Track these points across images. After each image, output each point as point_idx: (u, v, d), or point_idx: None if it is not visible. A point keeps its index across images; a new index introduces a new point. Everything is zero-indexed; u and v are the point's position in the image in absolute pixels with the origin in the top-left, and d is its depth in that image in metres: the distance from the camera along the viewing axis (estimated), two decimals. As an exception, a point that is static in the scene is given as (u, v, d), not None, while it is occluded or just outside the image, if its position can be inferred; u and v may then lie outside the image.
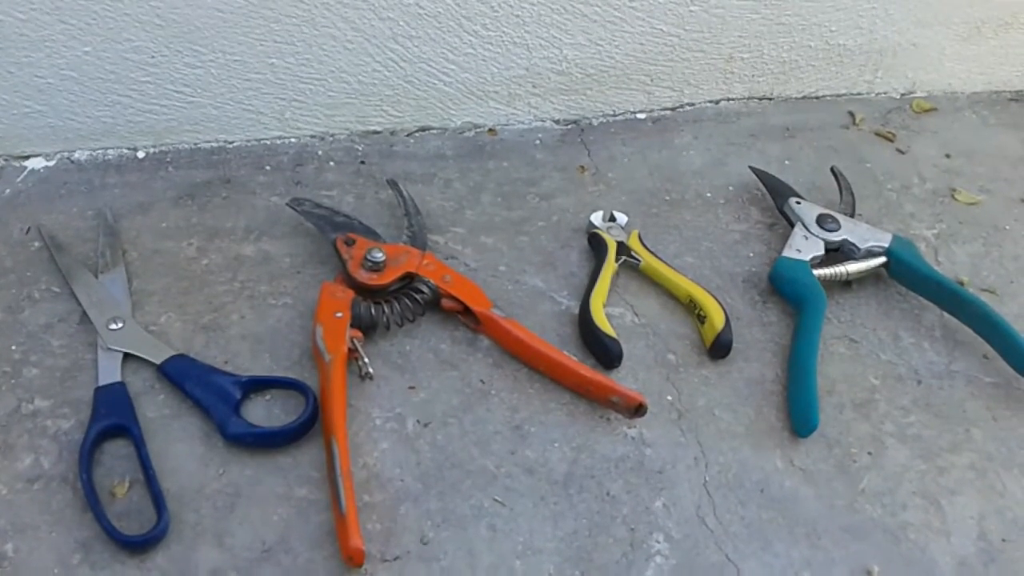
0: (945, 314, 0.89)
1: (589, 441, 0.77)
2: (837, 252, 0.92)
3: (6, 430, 0.73)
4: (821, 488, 0.75)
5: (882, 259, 0.91)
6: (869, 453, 0.78)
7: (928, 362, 0.86)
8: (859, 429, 0.80)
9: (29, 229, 0.88)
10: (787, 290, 0.88)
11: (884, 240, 0.92)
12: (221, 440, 0.73)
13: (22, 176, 0.93)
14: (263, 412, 0.76)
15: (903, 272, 0.91)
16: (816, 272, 0.88)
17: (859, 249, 0.91)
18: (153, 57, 0.92)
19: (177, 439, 0.74)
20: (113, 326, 0.79)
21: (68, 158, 0.96)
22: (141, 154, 0.97)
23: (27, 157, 0.95)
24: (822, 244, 0.91)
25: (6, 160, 0.94)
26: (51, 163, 0.95)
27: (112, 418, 0.73)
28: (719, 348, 0.83)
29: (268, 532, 0.69)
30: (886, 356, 0.86)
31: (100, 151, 0.97)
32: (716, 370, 0.83)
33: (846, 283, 0.91)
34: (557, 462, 0.75)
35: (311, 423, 0.74)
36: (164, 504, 0.68)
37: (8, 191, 0.92)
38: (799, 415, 0.78)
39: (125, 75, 0.92)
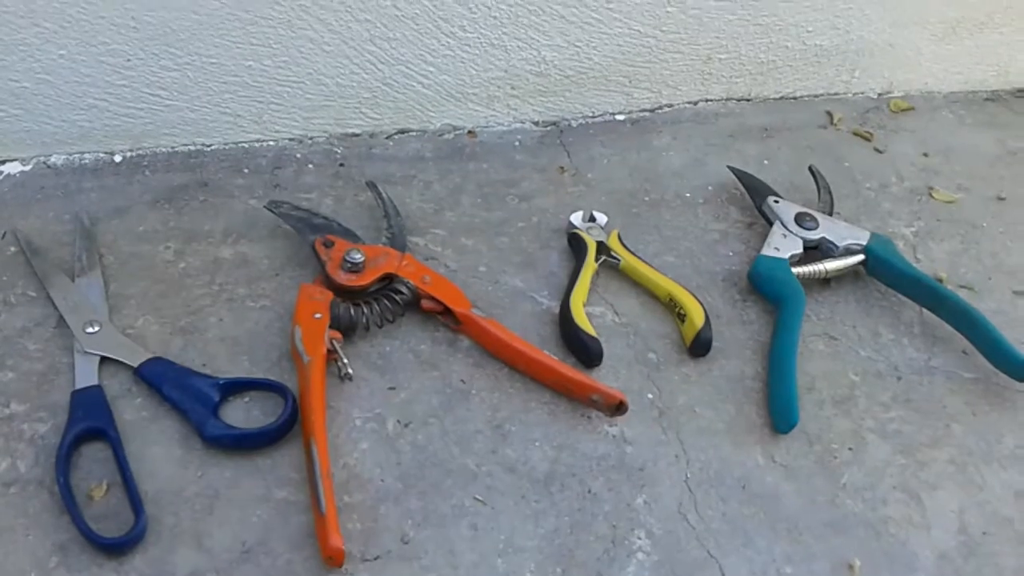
0: (924, 311, 0.90)
1: (570, 440, 0.76)
2: (816, 250, 0.92)
3: (-19, 434, 0.72)
4: (802, 484, 0.75)
5: (860, 257, 0.91)
6: (850, 449, 0.78)
7: (908, 358, 0.86)
8: (839, 425, 0.80)
9: (5, 234, 0.87)
10: (766, 288, 0.88)
11: (862, 238, 0.92)
12: (199, 442, 0.73)
13: (-3, 181, 0.93)
14: (242, 414, 0.76)
15: (881, 269, 0.91)
16: (795, 270, 0.89)
17: (837, 247, 0.91)
18: (129, 60, 0.91)
19: (155, 442, 0.73)
20: (90, 329, 0.79)
21: (44, 162, 0.95)
22: (118, 158, 0.97)
23: (3, 162, 0.94)
24: (801, 242, 0.91)
25: (-19, 165, 0.94)
26: (27, 168, 0.94)
27: (89, 421, 0.72)
28: (699, 346, 0.83)
29: (248, 533, 0.68)
30: (865, 353, 0.86)
31: (77, 155, 0.96)
32: (696, 368, 0.83)
33: (825, 281, 0.92)
34: (538, 461, 0.75)
35: (290, 424, 0.74)
36: (142, 506, 0.68)
37: (-17, 196, 0.91)
38: (779, 412, 0.78)
39: (101, 78, 0.92)
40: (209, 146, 0.99)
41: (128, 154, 0.97)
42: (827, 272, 0.90)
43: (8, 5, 0.84)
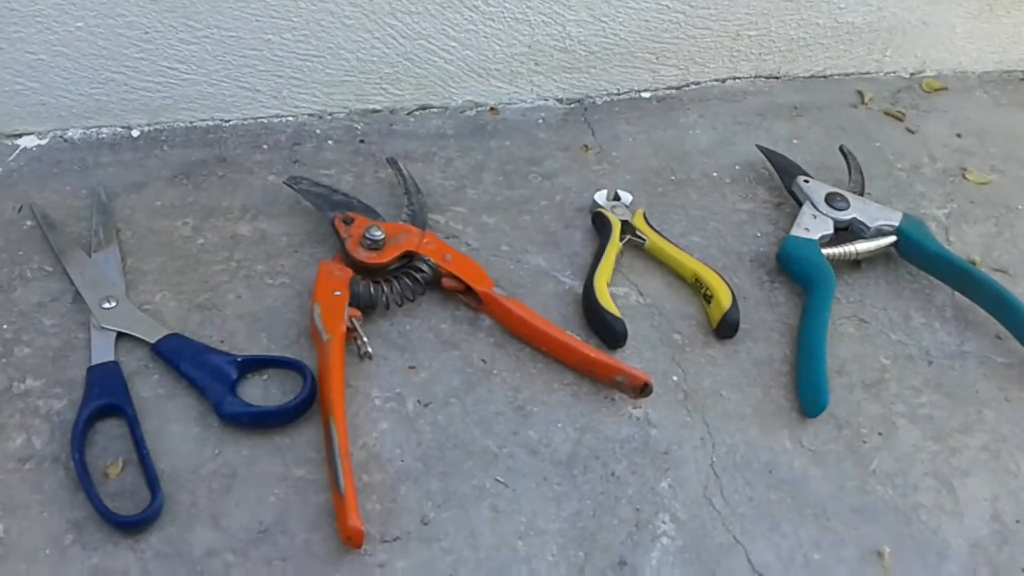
0: (956, 294, 0.88)
1: (593, 421, 0.75)
2: (846, 232, 0.90)
3: (-3, 409, 0.71)
4: (830, 469, 0.73)
5: (892, 238, 0.89)
6: (880, 434, 0.76)
7: (939, 342, 0.84)
8: (869, 409, 0.78)
9: (21, 208, 0.86)
10: (795, 269, 0.86)
11: (894, 219, 0.90)
12: (217, 420, 0.72)
13: (14, 155, 0.91)
14: (260, 392, 0.74)
15: (913, 251, 0.89)
16: (825, 251, 0.87)
17: (869, 228, 0.89)
18: (147, 33, 0.90)
19: (172, 419, 0.72)
20: (106, 305, 0.78)
21: (61, 136, 0.94)
22: (135, 132, 0.95)
23: (19, 135, 0.93)
24: (831, 223, 0.89)
25: (-2, 138, 0.93)
26: (43, 141, 0.93)
27: (105, 398, 0.71)
28: (726, 328, 0.81)
29: (265, 513, 0.67)
30: (896, 336, 0.84)
31: (94, 129, 0.95)
32: (723, 350, 0.81)
33: (855, 263, 0.89)
34: (560, 443, 0.73)
35: (309, 403, 0.73)
36: (158, 484, 0.67)
37: (0, 170, 0.90)
38: (808, 395, 0.77)
39: (118, 51, 0.90)
40: (228, 121, 0.98)
41: (146, 128, 0.96)
42: (858, 254, 0.88)
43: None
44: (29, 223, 0.85)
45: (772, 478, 0.72)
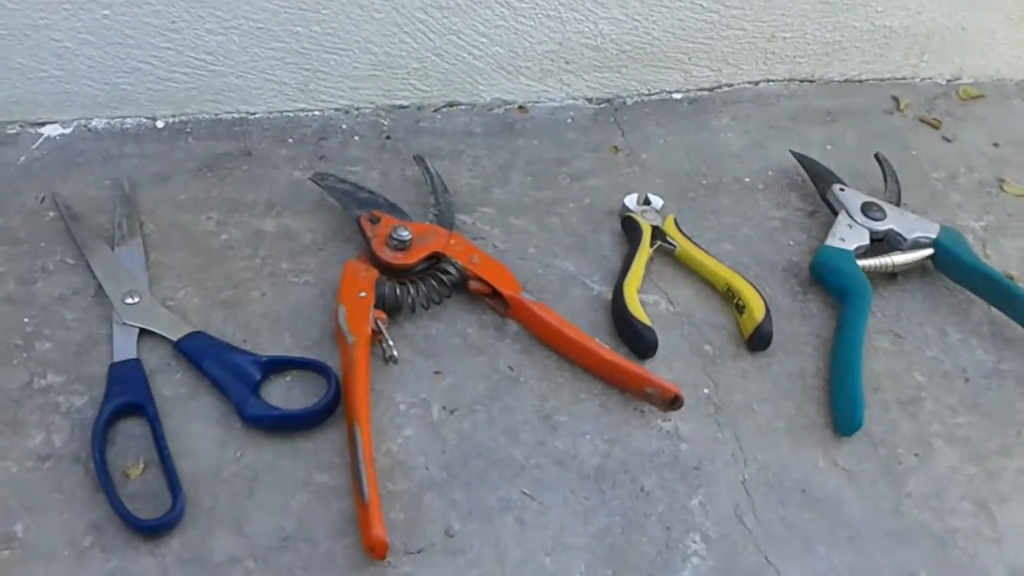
0: (994, 309, 0.85)
1: (622, 434, 0.73)
2: (881, 243, 0.88)
3: (17, 405, 0.70)
4: (865, 490, 0.72)
5: (929, 251, 0.87)
6: (916, 454, 0.74)
7: (976, 360, 0.82)
8: (905, 428, 0.76)
9: (44, 198, 0.85)
10: (830, 281, 0.84)
11: (931, 231, 0.88)
12: (239, 422, 0.71)
13: (37, 143, 0.90)
14: (283, 394, 0.73)
15: (951, 265, 0.87)
16: (860, 263, 0.85)
17: (905, 240, 0.87)
18: (174, 23, 0.88)
19: (193, 419, 0.71)
20: (129, 300, 0.77)
21: (85, 126, 0.92)
22: (160, 123, 0.94)
23: (43, 124, 0.92)
24: (867, 233, 0.87)
25: (21, 126, 0.91)
26: (67, 131, 0.92)
27: (127, 396, 0.70)
28: (759, 340, 0.79)
29: (287, 519, 0.66)
30: (932, 352, 0.82)
31: (118, 119, 0.93)
32: (755, 363, 0.80)
33: (890, 275, 0.88)
34: (588, 455, 0.72)
35: (333, 406, 0.71)
36: (179, 487, 0.65)
37: (23, 158, 0.88)
38: (843, 412, 0.75)
39: (145, 40, 0.89)
40: (254, 114, 0.96)
41: (171, 120, 0.95)
42: (894, 266, 0.86)
43: (53, -39, 0.82)
44: (52, 214, 0.84)
45: (805, 497, 0.71)
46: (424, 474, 0.69)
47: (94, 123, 0.93)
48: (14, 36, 0.86)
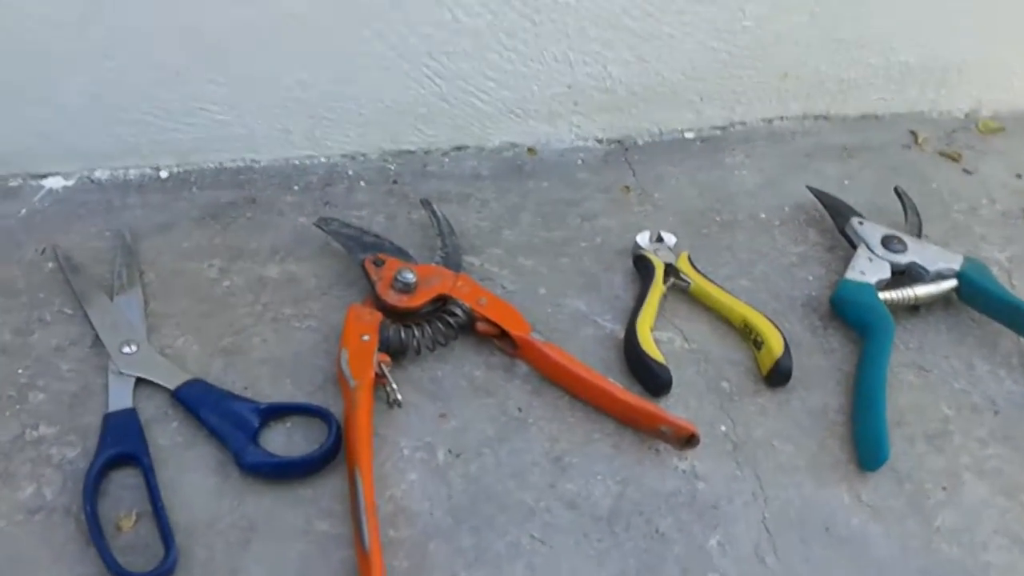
0: (1022, 340, 0.82)
1: (636, 474, 0.70)
2: (903, 275, 0.85)
3: (8, 458, 0.68)
4: (892, 526, 0.68)
5: (953, 282, 0.84)
6: (944, 488, 0.71)
7: (1006, 391, 0.79)
8: (932, 463, 0.73)
9: (44, 250, 0.84)
10: (851, 314, 0.81)
11: (955, 262, 0.85)
12: (237, 470, 0.68)
13: (39, 195, 0.89)
14: (283, 440, 0.71)
15: (976, 296, 0.84)
16: (882, 295, 0.82)
17: (928, 272, 0.84)
18: (178, 74, 0.88)
19: (190, 469, 0.68)
20: (126, 349, 0.75)
21: (88, 177, 0.92)
22: (164, 174, 0.93)
23: (45, 176, 0.91)
24: (888, 266, 0.85)
25: (23, 179, 0.90)
26: (70, 182, 0.91)
27: (121, 446, 0.68)
28: (778, 375, 0.76)
29: (285, 569, 0.63)
30: (959, 385, 0.79)
31: (121, 170, 0.93)
32: (774, 399, 0.76)
33: (913, 308, 0.84)
34: (601, 496, 0.68)
35: (334, 452, 0.69)
36: (172, 538, 0.63)
37: (24, 211, 0.87)
38: (867, 447, 0.71)
39: (149, 92, 0.88)
40: (259, 162, 0.95)
41: (175, 170, 0.94)
42: (917, 298, 0.83)
43: (58, 14, 0.81)
44: (51, 265, 0.82)
45: (829, 536, 0.67)
46: (429, 520, 0.66)
47: (97, 174, 0.92)
48: (17, 88, 0.85)
